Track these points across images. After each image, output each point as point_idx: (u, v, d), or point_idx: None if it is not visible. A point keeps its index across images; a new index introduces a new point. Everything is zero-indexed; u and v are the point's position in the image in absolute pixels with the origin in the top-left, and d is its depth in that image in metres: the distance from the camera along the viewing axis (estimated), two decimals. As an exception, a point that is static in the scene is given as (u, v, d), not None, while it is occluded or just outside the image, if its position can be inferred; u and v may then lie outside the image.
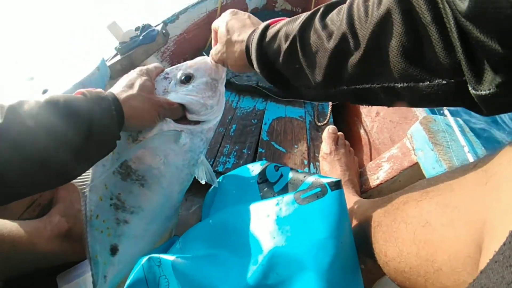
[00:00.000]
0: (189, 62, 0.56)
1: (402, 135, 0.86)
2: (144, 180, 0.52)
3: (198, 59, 0.57)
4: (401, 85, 0.31)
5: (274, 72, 0.44)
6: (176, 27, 1.38)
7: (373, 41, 0.32)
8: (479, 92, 0.25)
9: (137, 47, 1.06)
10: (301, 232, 0.44)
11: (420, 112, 0.85)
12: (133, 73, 0.50)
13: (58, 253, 0.58)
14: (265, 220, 0.47)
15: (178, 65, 0.56)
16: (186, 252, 0.53)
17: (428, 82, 0.29)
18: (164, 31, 1.13)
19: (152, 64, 0.55)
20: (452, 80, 0.28)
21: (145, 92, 0.47)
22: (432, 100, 0.31)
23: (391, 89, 0.32)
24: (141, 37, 1.06)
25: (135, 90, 0.46)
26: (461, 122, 0.71)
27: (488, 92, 0.25)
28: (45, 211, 0.64)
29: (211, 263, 0.49)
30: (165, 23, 1.24)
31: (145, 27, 1.10)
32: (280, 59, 0.42)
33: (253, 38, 0.45)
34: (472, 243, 0.28)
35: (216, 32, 0.54)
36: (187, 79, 0.54)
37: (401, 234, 0.37)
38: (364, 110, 1.12)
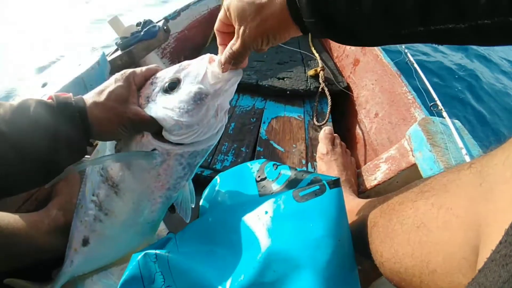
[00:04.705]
0: (185, 62, 0.48)
1: (400, 136, 0.87)
2: (118, 189, 0.50)
3: (197, 59, 0.48)
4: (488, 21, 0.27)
5: (330, 15, 0.35)
6: (177, 24, 1.39)
7: None
8: None
9: (138, 42, 1.06)
10: (299, 230, 0.44)
11: (419, 114, 0.86)
12: (112, 78, 0.45)
13: (55, 247, 0.58)
14: (263, 217, 0.47)
15: (175, 65, 0.48)
16: (183, 249, 0.53)
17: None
18: (165, 28, 1.13)
19: (147, 66, 0.49)
20: None
21: (112, 101, 0.43)
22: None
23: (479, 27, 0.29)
24: (142, 33, 1.06)
25: (102, 97, 0.42)
26: (458, 124, 0.71)
27: None
28: (41, 205, 0.64)
29: (208, 260, 0.49)
30: (167, 19, 1.24)
31: (147, 22, 1.09)
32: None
33: None
34: (467, 245, 0.28)
35: (226, 24, 0.46)
36: (172, 86, 0.45)
37: (397, 235, 0.37)
38: (363, 111, 1.13)
